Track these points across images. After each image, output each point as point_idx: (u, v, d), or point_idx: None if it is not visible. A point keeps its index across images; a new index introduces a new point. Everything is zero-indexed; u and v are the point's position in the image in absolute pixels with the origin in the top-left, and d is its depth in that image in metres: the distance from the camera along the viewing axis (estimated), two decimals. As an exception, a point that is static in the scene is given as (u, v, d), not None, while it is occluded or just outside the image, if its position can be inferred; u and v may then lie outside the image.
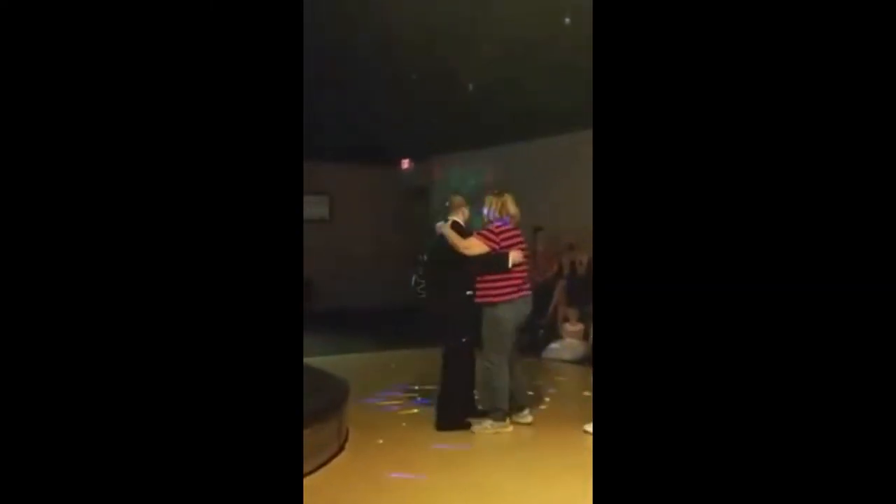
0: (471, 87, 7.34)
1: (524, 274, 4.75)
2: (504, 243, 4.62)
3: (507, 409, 4.69)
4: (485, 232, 4.69)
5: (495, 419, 4.66)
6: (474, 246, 4.63)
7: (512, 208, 4.75)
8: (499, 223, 4.69)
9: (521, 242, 4.75)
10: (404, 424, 4.87)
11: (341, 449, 4.17)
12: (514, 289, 4.64)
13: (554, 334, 7.92)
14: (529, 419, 4.83)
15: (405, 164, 11.82)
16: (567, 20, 5.44)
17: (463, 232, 4.74)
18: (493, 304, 4.62)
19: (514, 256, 4.60)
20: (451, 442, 4.44)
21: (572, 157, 8.79)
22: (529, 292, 4.79)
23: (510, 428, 4.68)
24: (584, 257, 8.30)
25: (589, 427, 4.61)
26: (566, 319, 7.88)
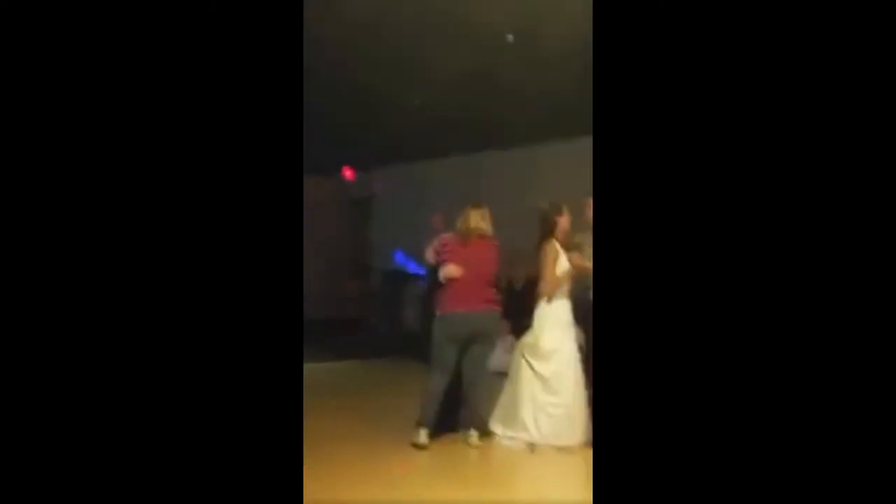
0: (417, 103, 7.43)
1: (479, 289, 4.54)
2: (443, 256, 4.60)
3: (428, 422, 4.46)
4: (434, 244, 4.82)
5: (421, 427, 4.48)
6: (429, 257, 4.82)
7: (473, 222, 4.62)
8: (446, 236, 4.77)
9: (473, 256, 4.55)
10: (357, 436, 4.76)
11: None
12: (441, 304, 4.56)
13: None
14: (475, 440, 4.53)
15: (348, 173, 11.68)
16: (510, 37, 5.49)
17: None
18: (434, 316, 4.64)
19: (446, 271, 4.51)
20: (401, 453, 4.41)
21: (517, 171, 8.90)
22: (480, 307, 4.53)
23: (423, 440, 4.41)
24: (522, 273, 8.37)
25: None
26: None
